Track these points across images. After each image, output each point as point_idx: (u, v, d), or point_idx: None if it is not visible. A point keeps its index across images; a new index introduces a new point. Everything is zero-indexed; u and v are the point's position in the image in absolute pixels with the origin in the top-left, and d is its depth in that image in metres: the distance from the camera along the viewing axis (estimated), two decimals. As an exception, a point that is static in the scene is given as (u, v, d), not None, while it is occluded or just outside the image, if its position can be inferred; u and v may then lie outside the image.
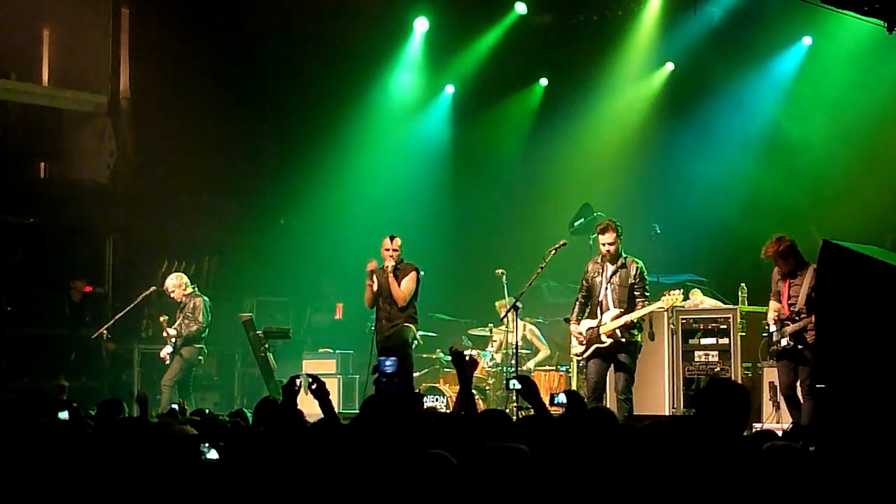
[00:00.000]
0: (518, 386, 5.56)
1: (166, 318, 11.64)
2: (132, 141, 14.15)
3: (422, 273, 10.76)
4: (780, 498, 3.90)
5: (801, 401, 9.42)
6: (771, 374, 10.59)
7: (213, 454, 4.65)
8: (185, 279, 11.93)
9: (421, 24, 14.77)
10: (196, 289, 11.92)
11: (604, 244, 9.69)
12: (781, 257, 9.37)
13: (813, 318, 8.97)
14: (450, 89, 15.74)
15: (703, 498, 3.86)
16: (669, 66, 14.84)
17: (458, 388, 12.22)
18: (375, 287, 10.42)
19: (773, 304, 9.66)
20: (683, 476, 3.93)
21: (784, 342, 9.40)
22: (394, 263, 10.32)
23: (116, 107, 13.96)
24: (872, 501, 4.02)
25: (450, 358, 5.68)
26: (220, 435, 5.16)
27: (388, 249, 10.33)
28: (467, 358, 5.63)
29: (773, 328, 9.58)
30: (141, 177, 14.18)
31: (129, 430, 5.41)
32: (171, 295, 11.83)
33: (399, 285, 10.29)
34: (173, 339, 11.59)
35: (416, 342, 10.54)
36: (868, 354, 7.46)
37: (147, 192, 14.24)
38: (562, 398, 5.86)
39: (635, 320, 9.61)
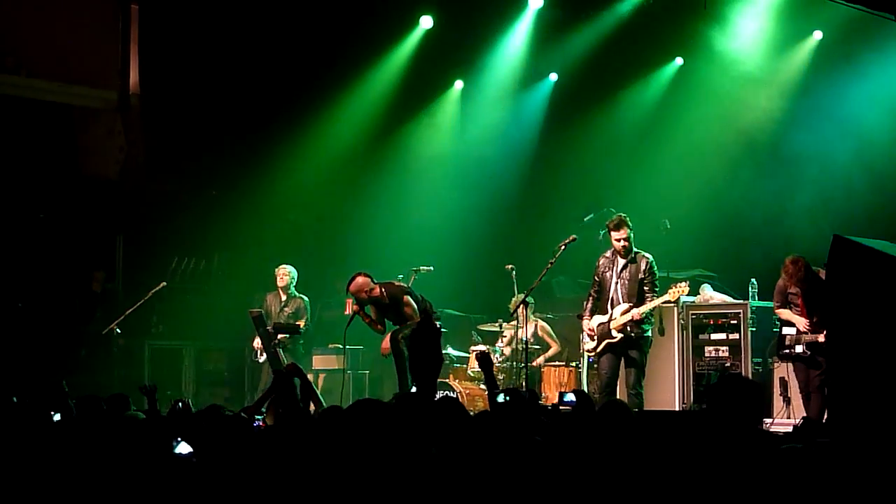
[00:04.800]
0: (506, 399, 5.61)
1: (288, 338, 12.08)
2: (142, 137, 14.15)
3: (430, 268, 10.80)
4: (790, 493, 3.89)
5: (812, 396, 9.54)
6: (782, 370, 10.62)
7: (183, 448, 4.51)
8: (294, 275, 12.38)
9: (426, 22, 14.73)
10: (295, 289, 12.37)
11: (618, 240, 9.74)
12: (805, 280, 9.52)
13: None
14: (459, 85, 15.72)
15: (715, 493, 3.85)
16: (679, 61, 14.83)
17: (468, 383, 12.33)
18: (374, 317, 10.66)
19: (785, 311, 9.78)
20: (696, 471, 3.93)
21: (799, 349, 9.55)
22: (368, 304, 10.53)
23: (126, 103, 13.94)
24: (884, 497, 4.01)
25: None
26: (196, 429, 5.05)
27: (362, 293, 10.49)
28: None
29: (788, 331, 9.73)
30: (150, 173, 14.20)
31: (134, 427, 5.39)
32: (278, 282, 12.30)
33: (406, 317, 10.43)
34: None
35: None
36: (880, 350, 7.44)
37: (156, 188, 14.27)
38: (570, 397, 5.86)
39: (644, 315, 9.62)
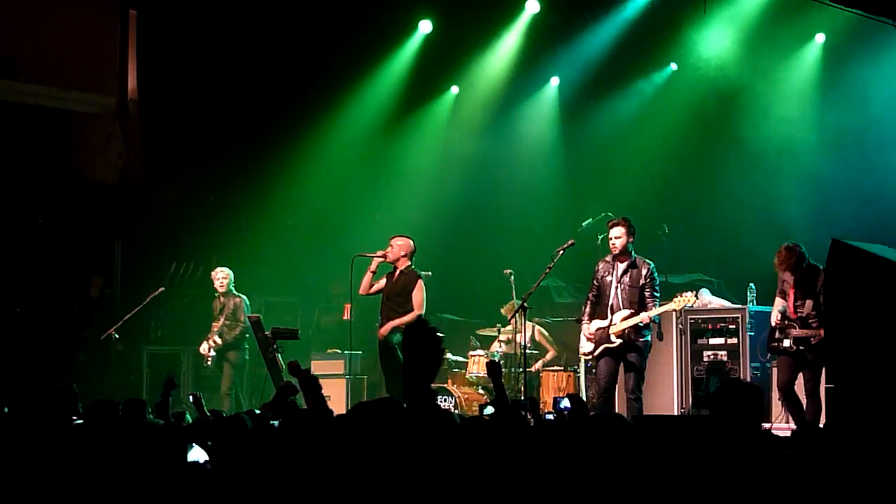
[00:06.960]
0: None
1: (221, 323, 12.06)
2: (140, 142, 14.16)
3: (428, 274, 10.82)
4: (789, 496, 3.89)
5: (803, 400, 9.53)
6: (779, 374, 10.62)
7: (196, 455, 4.44)
8: (231, 276, 12.28)
9: (425, 26, 14.73)
10: (233, 288, 12.26)
11: (611, 238, 9.76)
12: (797, 268, 9.49)
13: (819, 330, 9.19)
14: (455, 90, 15.72)
15: (715, 497, 3.85)
16: (674, 66, 14.84)
17: (466, 388, 12.33)
18: (380, 284, 10.71)
19: (779, 300, 9.76)
20: (696, 476, 3.92)
21: (787, 343, 9.53)
22: (392, 263, 10.63)
23: (124, 108, 13.96)
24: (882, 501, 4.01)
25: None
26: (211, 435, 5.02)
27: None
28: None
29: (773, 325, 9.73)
30: (149, 178, 14.19)
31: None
32: (216, 286, 12.22)
33: (412, 300, 10.53)
34: (218, 344, 12.07)
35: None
36: (878, 354, 7.45)
37: (155, 194, 14.26)
38: (566, 403, 5.87)
39: (644, 320, 9.62)
